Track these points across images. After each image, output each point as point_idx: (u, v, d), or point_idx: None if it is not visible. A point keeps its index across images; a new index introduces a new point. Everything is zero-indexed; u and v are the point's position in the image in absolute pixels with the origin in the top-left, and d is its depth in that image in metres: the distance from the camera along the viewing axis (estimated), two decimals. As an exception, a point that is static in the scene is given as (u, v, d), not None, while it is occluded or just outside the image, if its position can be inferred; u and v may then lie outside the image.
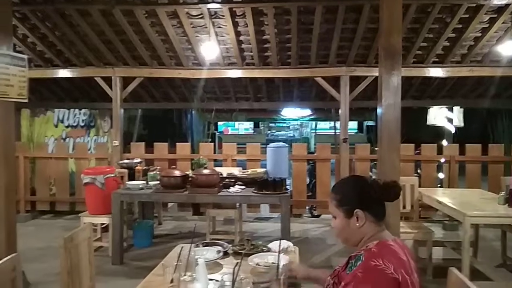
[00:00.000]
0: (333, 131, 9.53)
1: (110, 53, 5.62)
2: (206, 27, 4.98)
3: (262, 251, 2.23)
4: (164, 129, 8.10)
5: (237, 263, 1.67)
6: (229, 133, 14.72)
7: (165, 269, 1.88)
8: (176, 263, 1.98)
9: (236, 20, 4.85)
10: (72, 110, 7.86)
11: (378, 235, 1.46)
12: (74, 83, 6.63)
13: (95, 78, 5.89)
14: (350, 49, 5.36)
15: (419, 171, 5.87)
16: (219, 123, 14.53)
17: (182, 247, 2.23)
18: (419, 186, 4.39)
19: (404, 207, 4.19)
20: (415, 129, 8.79)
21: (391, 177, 2.29)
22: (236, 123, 14.73)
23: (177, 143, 6.24)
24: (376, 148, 4.80)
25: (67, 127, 8.12)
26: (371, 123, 13.49)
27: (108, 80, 5.85)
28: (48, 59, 5.82)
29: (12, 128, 3.86)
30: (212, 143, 6.43)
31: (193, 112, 9.80)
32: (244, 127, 15.57)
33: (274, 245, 2.24)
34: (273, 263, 2.00)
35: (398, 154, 3.48)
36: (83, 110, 8.04)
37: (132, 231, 4.86)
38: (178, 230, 5.56)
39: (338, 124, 6.07)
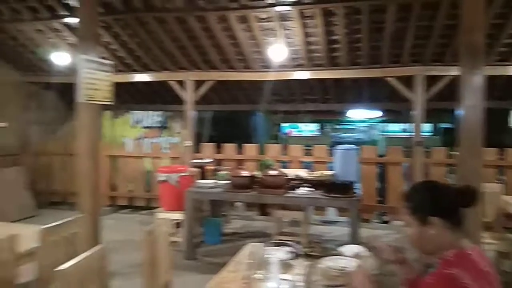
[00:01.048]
0: (405, 133, 9.11)
1: (184, 58, 5.91)
2: (274, 30, 5.03)
3: (334, 254, 2.21)
4: (231, 130, 8.32)
5: (310, 264, 1.68)
6: (293, 135, 14.70)
7: (237, 266, 1.94)
8: (247, 261, 2.03)
9: (304, 21, 4.85)
10: (147, 112, 8.38)
11: (455, 244, 1.39)
12: (150, 87, 7.05)
13: (169, 82, 6.23)
14: (425, 47, 5.10)
15: (502, 177, 5.41)
16: (284, 124, 14.55)
17: (253, 245, 2.28)
18: (504, 194, 4.05)
19: (486, 216, 3.89)
20: (498, 132, 8.11)
21: (472, 184, 2.15)
22: (301, 124, 14.64)
23: (245, 144, 6.38)
24: (453, 152, 4.51)
25: (143, 128, 8.68)
26: (447, 125, 12.67)
27: (181, 83, 6.16)
28: (128, 64, 6.26)
29: (98, 129, 4.22)
30: (278, 145, 6.47)
31: (259, 114, 9.94)
32: (308, 128, 15.41)
33: (346, 249, 2.21)
34: (345, 267, 1.98)
35: (480, 159, 3.25)
36: (157, 112, 8.52)
37: (202, 228, 5.05)
38: (245, 229, 5.68)
39: (410, 126, 5.79)
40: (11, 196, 6.12)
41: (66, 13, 5.10)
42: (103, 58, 4.21)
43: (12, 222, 4.22)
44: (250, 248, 2.37)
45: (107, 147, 6.91)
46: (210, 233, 5.00)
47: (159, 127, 8.75)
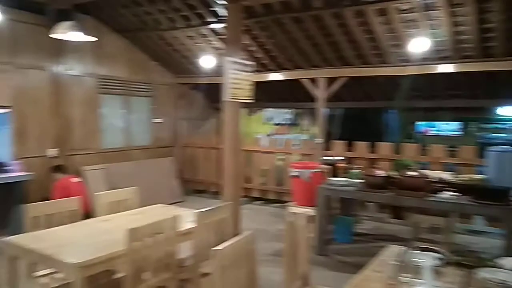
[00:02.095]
0: None
1: (317, 55, 5.96)
2: (417, 21, 4.72)
3: (491, 266, 1.99)
4: (362, 128, 8.08)
5: (463, 274, 1.55)
6: (430, 134, 13.52)
7: (381, 266, 1.90)
8: (392, 262, 1.97)
9: (452, 9, 4.42)
10: (279, 109, 8.71)
11: None
12: (283, 85, 7.30)
13: (302, 80, 6.36)
14: None
15: None
16: (420, 122, 13.49)
17: (395, 248, 2.20)
18: None
19: None
20: None
21: None
22: (440, 123, 13.37)
23: (378, 143, 6.14)
24: None
25: (274, 124, 9.05)
26: None
27: (313, 81, 6.24)
28: (264, 64, 6.59)
29: (238, 125, 4.56)
30: (416, 144, 6.04)
31: (392, 111, 9.43)
32: (448, 127, 13.99)
33: (506, 262, 1.98)
34: (505, 281, 1.77)
35: None
36: (287, 110, 8.79)
37: (333, 226, 5.05)
38: (377, 231, 5.48)
39: None
40: (165, 182, 7.04)
41: (214, 20, 5.62)
42: (245, 59, 4.52)
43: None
44: (393, 250, 2.29)
45: (243, 142, 7.40)
46: (341, 232, 4.96)
47: (288, 124, 9.01)
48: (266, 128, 9.08)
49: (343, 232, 4.95)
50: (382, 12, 4.75)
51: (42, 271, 2.73)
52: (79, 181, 5.03)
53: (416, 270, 1.89)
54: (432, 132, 14.38)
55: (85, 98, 6.18)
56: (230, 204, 3.19)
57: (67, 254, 2.30)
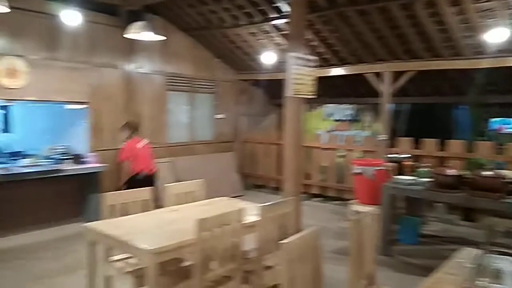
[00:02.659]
0: None
1: (383, 49, 5.75)
2: (494, 10, 4.37)
3: None
4: (429, 125, 7.67)
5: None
6: (504, 132, 12.50)
7: (456, 269, 1.81)
8: (468, 265, 1.87)
9: (537, -4, 4.05)
10: (340, 105, 8.52)
11: None
12: (345, 80, 7.14)
13: (365, 74, 6.17)
14: None
15: None
16: (493, 119, 12.52)
17: (471, 251, 2.08)
18: None
19: None
20: None
21: None
22: (516, 120, 12.28)
23: (448, 140, 5.80)
24: None
25: (334, 120, 8.88)
26: None
27: (377, 75, 6.03)
28: (326, 59, 6.49)
29: (301, 121, 4.54)
30: (491, 143, 5.62)
31: (463, 107, 8.84)
32: (527, 125, 12.81)
33: None
34: None
35: None
36: (348, 105, 8.57)
37: (396, 226, 4.87)
38: (446, 233, 5.19)
39: None
40: (226, 176, 7.22)
41: (276, 16, 5.64)
42: (308, 54, 4.49)
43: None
44: (468, 253, 2.17)
45: (303, 138, 7.36)
46: (406, 232, 4.77)
47: (349, 120, 8.79)
48: (326, 124, 8.93)
49: (408, 233, 4.76)
50: (456, 2, 4.47)
51: (117, 256, 2.93)
52: (144, 145, 5.22)
53: (495, 275, 1.77)
54: (508, 129, 13.29)
55: (154, 95, 6.51)
56: (293, 199, 3.20)
57: (141, 240, 2.45)
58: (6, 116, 8.74)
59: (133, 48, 6.00)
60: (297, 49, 4.33)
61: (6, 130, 8.72)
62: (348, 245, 3.59)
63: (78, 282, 3.41)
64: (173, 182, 3.82)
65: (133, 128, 5.17)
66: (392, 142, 6.14)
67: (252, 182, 7.88)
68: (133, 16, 5.27)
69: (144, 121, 6.37)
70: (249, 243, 2.86)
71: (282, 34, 6.06)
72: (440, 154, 5.72)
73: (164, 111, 6.70)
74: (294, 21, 4.44)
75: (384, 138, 5.97)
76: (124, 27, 5.23)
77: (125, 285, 2.86)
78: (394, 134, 6.33)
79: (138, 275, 2.68)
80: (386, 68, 5.94)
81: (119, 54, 5.93)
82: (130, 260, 2.88)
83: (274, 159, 7.50)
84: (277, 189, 7.39)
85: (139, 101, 6.28)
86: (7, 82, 4.78)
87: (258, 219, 2.79)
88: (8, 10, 3.55)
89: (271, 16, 5.71)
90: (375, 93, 6.10)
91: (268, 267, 2.84)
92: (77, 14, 4.78)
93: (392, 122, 6.22)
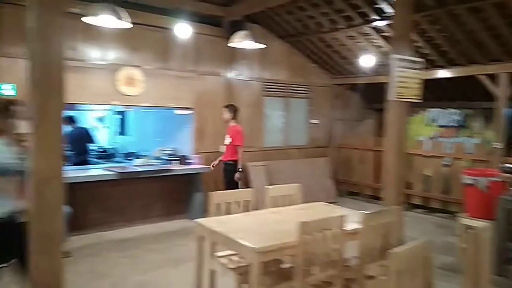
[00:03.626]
0: None
1: (499, 48, 5.21)
2: None
3: None
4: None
5: None
6: None
7: None
8: None
9: None
10: (444, 109, 7.90)
11: None
12: (452, 83, 6.62)
13: (477, 76, 5.65)
14: None
15: None
16: None
17: None
18: None
19: None
20: None
21: None
22: None
23: None
24: None
25: (438, 126, 8.25)
26: None
27: (492, 77, 5.47)
28: (431, 60, 6.09)
29: (404, 127, 4.32)
30: None
31: None
32: None
33: None
34: None
35: None
36: (455, 110, 7.90)
37: (514, 244, 4.35)
38: None
39: None
40: (319, 182, 7.17)
41: (377, 17, 5.46)
42: (413, 56, 4.26)
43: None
44: None
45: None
46: (527, 252, 4.22)
47: (456, 126, 8.10)
48: (429, 130, 8.35)
49: (529, 253, 4.21)
50: None
51: (221, 252, 3.09)
52: (236, 126, 5.40)
53: None
54: None
55: (251, 100, 6.75)
56: (397, 208, 3.06)
57: (247, 239, 2.55)
58: (122, 121, 9.83)
59: (234, 57, 6.31)
60: (402, 51, 4.13)
61: (122, 133, 9.80)
62: (457, 261, 3.32)
63: (184, 274, 3.68)
64: (266, 186, 3.91)
65: (234, 111, 5.39)
66: (508, 151, 5.51)
67: (346, 189, 7.70)
68: (235, 26, 5.55)
69: (242, 126, 6.63)
70: (350, 250, 2.81)
71: (383, 36, 5.85)
72: None
73: (260, 116, 6.90)
74: (398, 22, 4.26)
75: (499, 146, 5.38)
76: (226, 37, 5.54)
77: (228, 281, 3.01)
78: (510, 142, 5.68)
79: (241, 272, 2.80)
80: (503, 69, 5.37)
81: (221, 62, 6.28)
82: (233, 257, 3.02)
83: (371, 165, 7.24)
84: (373, 197, 7.12)
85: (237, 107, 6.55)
86: (126, 90, 5.37)
87: (360, 226, 2.73)
88: (131, 25, 4.00)
89: (372, 18, 5.55)
90: (486, 97, 5.56)
91: (370, 277, 2.76)
92: (187, 27, 5.19)
93: (508, 128, 5.59)
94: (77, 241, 4.57)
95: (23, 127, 2.54)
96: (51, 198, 2.11)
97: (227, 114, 5.36)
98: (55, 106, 2.17)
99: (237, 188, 5.04)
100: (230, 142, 5.28)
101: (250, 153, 6.74)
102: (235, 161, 5.22)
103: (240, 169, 5.20)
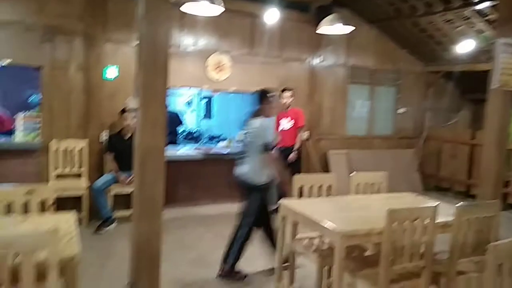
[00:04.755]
0: None
1: None
2: None
3: None
4: None
5: None
6: None
7: None
8: None
9: None
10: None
11: None
12: None
13: None
14: None
15: None
16: None
17: None
18: None
19: None
20: None
21: None
22: None
23: None
24: None
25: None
26: None
27: None
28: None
29: (507, 119, 3.93)
30: None
31: None
32: None
33: None
34: None
35: None
36: None
37: None
38: None
39: None
40: (404, 174, 6.86)
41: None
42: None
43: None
44: None
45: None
46: None
47: None
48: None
49: None
50: None
51: (302, 234, 3.14)
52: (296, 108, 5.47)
53: None
54: None
55: (335, 87, 6.64)
56: (495, 203, 2.84)
57: (332, 221, 2.55)
58: (207, 105, 10.33)
59: (319, 42, 6.23)
60: (508, 35, 3.75)
61: (207, 116, 10.31)
62: None
63: (265, 252, 3.80)
64: (347, 174, 3.85)
65: (293, 94, 5.41)
66: None
67: (434, 184, 7.25)
68: (322, 11, 5.47)
69: (324, 113, 6.57)
70: (440, 244, 2.68)
71: (486, 20, 5.34)
72: None
73: (344, 103, 6.76)
74: (504, 3, 3.86)
75: None
76: (313, 22, 5.50)
77: (308, 262, 3.06)
78: None
79: (323, 254, 2.82)
80: None
81: (306, 48, 6.25)
82: (314, 241, 3.06)
83: (465, 160, 6.73)
84: (464, 194, 6.63)
85: (321, 93, 6.50)
86: (215, 75, 5.62)
87: (453, 219, 2.58)
88: (223, 9, 4.14)
89: (473, 0, 5.09)
90: None
91: (461, 272, 2.61)
92: (276, 13, 5.24)
93: None
94: (167, 213, 4.94)
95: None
96: (154, 167, 2.32)
97: (289, 99, 5.36)
98: (160, 86, 2.37)
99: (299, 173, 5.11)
100: (293, 125, 5.32)
101: (332, 141, 6.66)
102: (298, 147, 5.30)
103: (297, 151, 5.26)
